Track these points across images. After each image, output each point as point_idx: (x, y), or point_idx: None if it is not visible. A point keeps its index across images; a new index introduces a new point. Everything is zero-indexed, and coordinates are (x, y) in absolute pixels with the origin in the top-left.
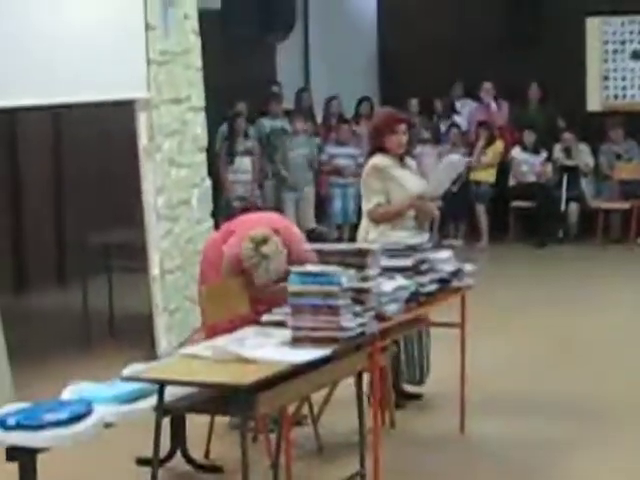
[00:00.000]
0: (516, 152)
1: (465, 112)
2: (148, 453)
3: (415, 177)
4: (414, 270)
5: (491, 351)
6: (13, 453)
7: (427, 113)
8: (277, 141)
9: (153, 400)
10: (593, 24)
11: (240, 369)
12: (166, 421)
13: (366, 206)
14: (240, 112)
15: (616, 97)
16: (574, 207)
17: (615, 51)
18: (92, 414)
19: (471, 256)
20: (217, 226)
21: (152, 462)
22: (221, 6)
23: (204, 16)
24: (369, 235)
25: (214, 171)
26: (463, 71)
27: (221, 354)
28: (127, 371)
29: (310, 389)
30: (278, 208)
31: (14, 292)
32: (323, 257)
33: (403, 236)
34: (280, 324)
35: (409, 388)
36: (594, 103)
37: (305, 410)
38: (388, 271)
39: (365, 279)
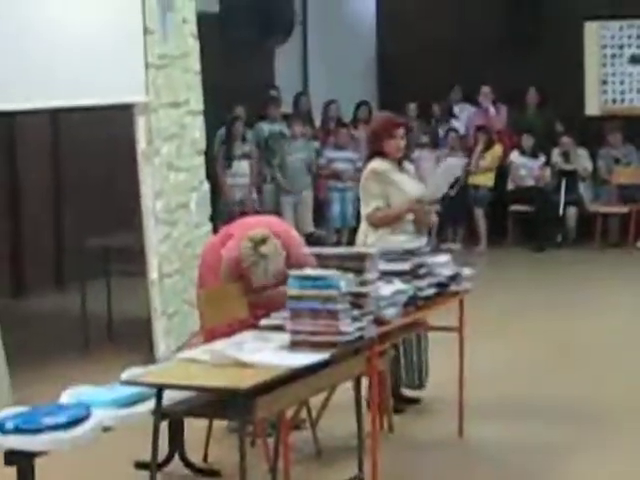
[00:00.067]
0: (514, 156)
1: (463, 116)
2: (146, 457)
3: (413, 181)
4: (412, 274)
5: (489, 355)
6: (11, 457)
7: (425, 117)
8: (275, 145)
9: (151, 404)
10: (591, 28)
11: (238, 373)
12: (164, 425)
13: (365, 210)
14: (238, 116)
15: (614, 101)
16: (572, 211)
17: (613, 55)
18: (90, 418)
19: (469, 260)
20: (215, 230)
21: (150, 466)
22: (220, 10)
23: (203, 20)
24: (368, 239)
25: (212, 175)
26: (461, 75)
27: (219, 358)
28: (125, 375)
29: (308, 393)
30: (277, 212)
31: (13, 295)
32: (321, 261)
33: (402, 240)
34: (278, 328)
35: (408, 392)
36: (592, 107)
37: (303, 414)
38: (386, 275)
39: (364, 283)
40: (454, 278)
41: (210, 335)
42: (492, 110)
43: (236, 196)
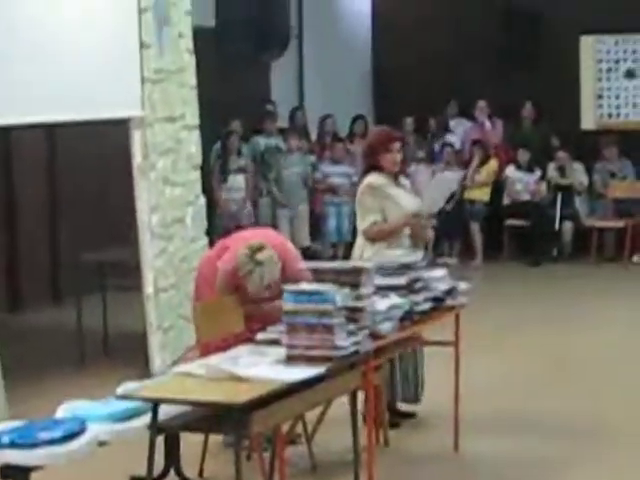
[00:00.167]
0: (510, 171)
1: (460, 131)
2: (142, 471)
3: (410, 195)
4: (408, 289)
5: (485, 369)
6: (7, 471)
7: (421, 132)
8: (271, 159)
9: (147, 418)
10: (587, 43)
11: (234, 388)
12: (160, 439)
13: (362, 225)
14: (233, 130)
15: (610, 116)
16: (568, 226)
17: (609, 70)
18: (86, 432)
19: (465, 274)
20: (211, 244)
21: None
22: (216, 24)
23: (199, 34)
24: (364, 253)
25: (208, 189)
26: (457, 90)
27: (215, 372)
28: (121, 389)
29: (304, 408)
30: (273, 226)
31: (9, 310)
32: (317, 275)
33: (398, 254)
34: (274, 342)
35: (403, 407)
36: (588, 122)
37: (299, 429)
38: (382, 290)
39: (359, 298)
40: (450, 292)
41: (205, 349)
42: (488, 125)
43: (232, 210)
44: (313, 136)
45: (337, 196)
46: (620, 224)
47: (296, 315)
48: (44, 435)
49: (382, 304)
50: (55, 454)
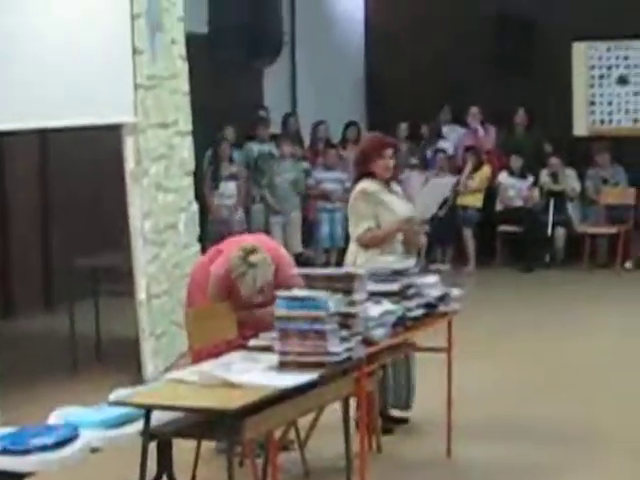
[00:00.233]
0: (503, 177)
1: (453, 137)
2: (134, 478)
3: (402, 201)
4: (401, 295)
5: (478, 376)
6: None
7: (414, 138)
8: (264, 165)
9: (140, 425)
10: (579, 49)
11: (227, 394)
12: (152, 446)
13: (355, 231)
14: (224, 137)
15: (602, 122)
16: (561, 232)
17: (601, 76)
18: (78, 439)
19: (458, 281)
20: (203, 251)
21: None
22: (208, 31)
23: (191, 40)
24: (358, 260)
25: (201, 195)
26: (450, 96)
27: (208, 379)
28: (113, 396)
29: (297, 414)
30: (266, 232)
31: (1, 316)
32: (310, 281)
33: (391, 261)
34: (267, 349)
35: (395, 413)
36: (580, 128)
37: (292, 435)
38: (375, 296)
39: (352, 304)
40: (443, 299)
41: (197, 356)
42: (481, 131)
43: (223, 217)
44: (306, 142)
45: (330, 202)
46: (612, 230)
47: (289, 321)
48: (36, 441)
49: (375, 310)
50: (47, 460)
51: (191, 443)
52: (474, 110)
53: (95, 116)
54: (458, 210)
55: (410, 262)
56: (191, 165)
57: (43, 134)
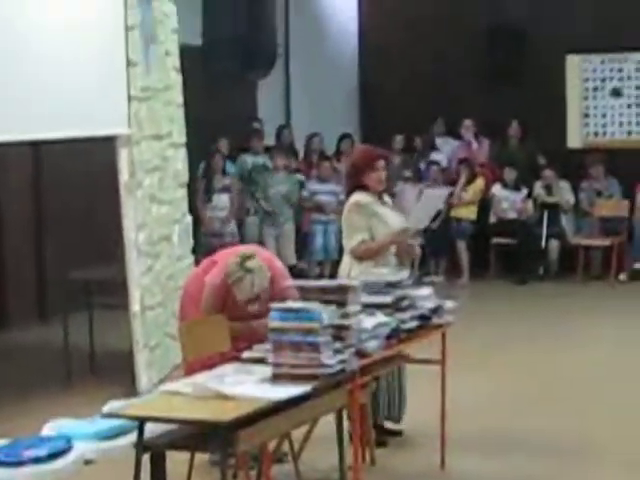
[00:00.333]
0: (496, 189)
1: (447, 149)
2: None
3: (395, 213)
4: (394, 307)
5: (472, 388)
6: None
7: (408, 151)
8: (258, 177)
9: (133, 437)
10: (573, 62)
11: (220, 406)
12: (146, 458)
13: (349, 243)
14: (217, 149)
15: (596, 134)
16: (555, 244)
17: (595, 88)
18: (72, 451)
19: (452, 293)
20: (196, 263)
21: None
22: (202, 43)
23: (185, 52)
24: (352, 272)
25: (194, 207)
26: (444, 108)
27: (201, 391)
28: (107, 408)
29: (290, 426)
30: (260, 244)
31: None
32: (304, 293)
33: (385, 273)
34: (260, 361)
35: (389, 425)
36: (574, 140)
37: (285, 447)
38: (368, 308)
39: (346, 316)
40: (436, 311)
41: (190, 368)
42: (474, 143)
43: (215, 229)
44: (300, 154)
45: (324, 214)
46: (606, 242)
47: (282, 333)
48: (30, 453)
49: (368, 322)
50: (41, 472)
51: (185, 455)
52: (467, 122)
53: (89, 128)
54: (452, 222)
55: (404, 274)
56: (185, 177)
57: (37, 146)
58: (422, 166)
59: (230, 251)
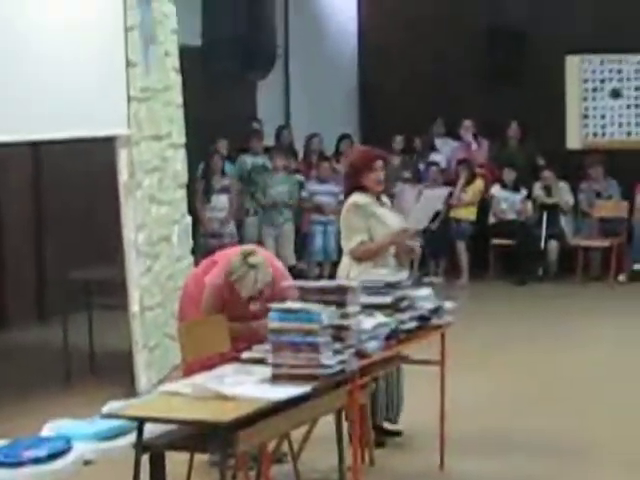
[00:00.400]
0: (496, 190)
1: (446, 150)
2: None
3: (393, 214)
4: (394, 307)
5: (471, 388)
6: None
7: (407, 151)
8: (258, 178)
9: (132, 437)
10: (573, 62)
11: (220, 406)
12: (145, 458)
13: (348, 245)
14: (216, 150)
15: (595, 135)
16: (554, 245)
17: (595, 89)
18: (71, 451)
19: (451, 293)
20: (196, 263)
21: None
22: (202, 43)
23: (185, 53)
24: (351, 273)
25: (194, 208)
26: (444, 109)
27: (201, 391)
28: (106, 408)
29: (290, 426)
30: (259, 244)
31: None
32: (303, 294)
33: (384, 274)
34: (260, 361)
35: (387, 425)
36: (574, 141)
37: (285, 447)
38: (368, 308)
39: (345, 316)
40: (436, 311)
41: (189, 369)
42: (474, 144)
43: (214, 229)
44: (300, 155)
45: (323, 215)
46: (606, 243)
47: (282, 333)
48: (29, 454)
49: (368, 323)
50: (40, 473)
51: (184, 456)
52: (467, 123)
53: (88, 128)
54: (451, 223)
55: (403, 275)
56: (184, 177)
57: (36, 146)
58: (421, 167)
59: (231, 251)
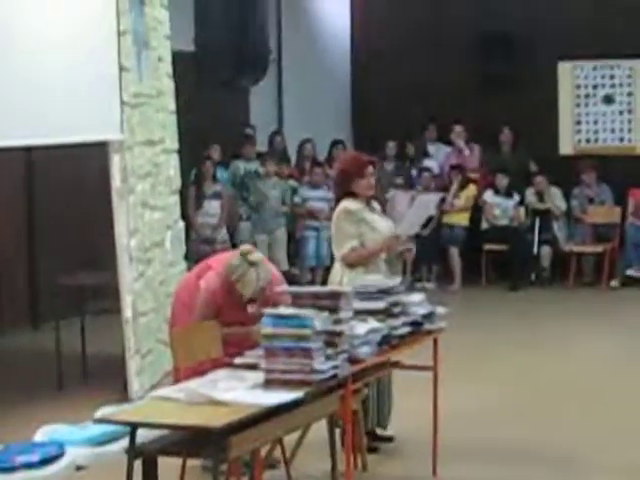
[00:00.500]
0: (488, 196)
1: (439, 155)
2: None
3: (384, 219)
4: (386, 313)
5: (463, 394)
6: None
7: (400, 157)
8: (250, 183)
9: (125, 442)
10: (565, 69)
11: (212, 412)
12: (138, 463)
13: (339, 251)
14: (208, 156)
15: (588, 141)
16: (547, 250)
17: (587, 95)
18: (64, 456)
19: (444, 299)
20: (189, 269)
21: None
22: (195, 49)
23: (178, 58)
24: (344, 279)
25: (186, 214)
26: (436, 115)
27: (193, 396)
28: (99, 413)
29: (282, 432)
30: None
31: None
32: (296, 299)
33: (376, 279)
34: (253, 367)
35: (379, 431)
36: (566, 147)
37: (277, 453)
38: (361, 314)
39: (338, 322)
40: (428, 317)
41: (182, 374)
42: (466, 150)
43: (206, 235)
44: (292, 160)
45: (316, 220)
46: (598, 249)
47: (275, 339)
48: (22, 459)
49: (360, 328)
50: (33, 478)
51: (177, 461)
52: (458, 129)
53: (81, 134)
54: (444, 228)
55: (396, 280)
56: (177, 183)
57: (29, 151)
58: (414, 173)
59: (226, 255)
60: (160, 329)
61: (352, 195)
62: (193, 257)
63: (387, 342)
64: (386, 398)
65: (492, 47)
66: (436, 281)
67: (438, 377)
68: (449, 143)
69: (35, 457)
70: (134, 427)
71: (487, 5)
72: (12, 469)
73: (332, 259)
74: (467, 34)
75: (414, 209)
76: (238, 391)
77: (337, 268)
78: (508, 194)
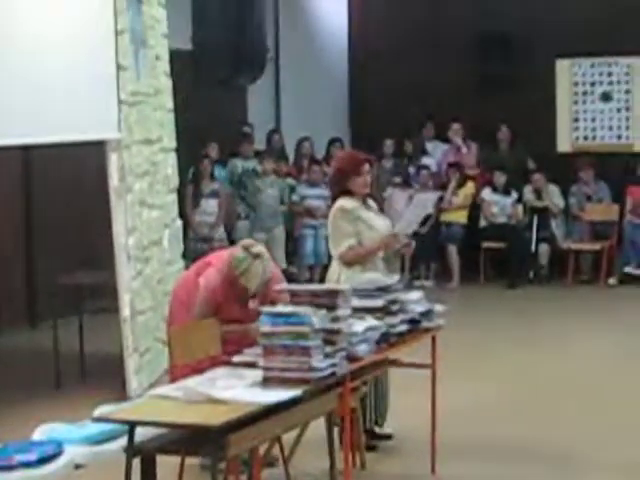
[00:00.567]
0: (486, 193)
1: (437, 153)
2: None
3: (380, 217)
4: (385, 311)
5: (461, 392)
6: None
7: (398, 155)
8: (248, 182)
9: (123, 441)
10: (563, 66)
11: (211, 410)
12: (136, 462)
13: (337, 249)
14: (206, 154)
15: (586, 138)
16: (545, 248)
17: (585, 93)
18: (62, 455)
19: (442, 297)
20: (186, 267)
21: None
22: (192, 47)
23: (175, 57)
24: (341, 277)
25: (185, 212)
26: (434, 112)
27: (192, 395)
28: (97, 412)
29: (281, 430)
30: None
31: None
32: (294, 297)
33: (374, 277)
34: (251, 365)
35: (377, 429)
36: (564, 144)
37: (276, 451)
38: (359, 311)
39: (336, 320)
40: (426, 315)
41: (179, 373)
42: (463, 147)
43: (204, 233)
44: (290, 158)
45: (314, 219)
46: (596, 247)
47: (273, 337)
48: (20, 458)
49: (359, 326)
50: (31, 477)
51: (175, 459)
52: (456, 126)
53: (79, 132)
54: (442, 226)
55: (394, 278)
56: (175, 182)
57: (26, 150)
58: (412, 170)
59: (225, 251)
60: (158, 327)
61: (348, 193)
62: (191, 255)
63: (385, 340)
64: (382, 396)
65: (490, 47)
66: (434, 279)
67: (436, 375)
68: (447, 141)
69: (33, 456)
70: (132, 426)
71: (485, 5)
72: (10, 468)
73: (330, 257)
74: (465, 34)
75: (412, 208)
76: (237, 389)
77: (335, 266)
78: (506, 192)
